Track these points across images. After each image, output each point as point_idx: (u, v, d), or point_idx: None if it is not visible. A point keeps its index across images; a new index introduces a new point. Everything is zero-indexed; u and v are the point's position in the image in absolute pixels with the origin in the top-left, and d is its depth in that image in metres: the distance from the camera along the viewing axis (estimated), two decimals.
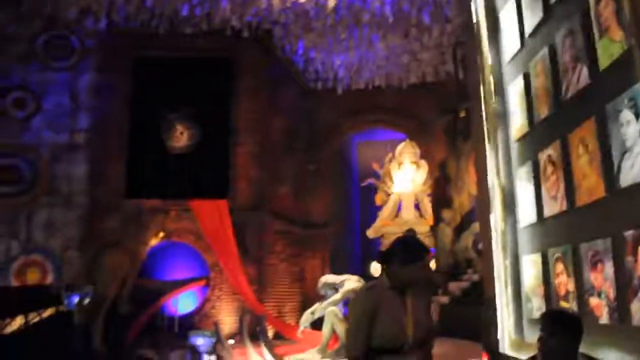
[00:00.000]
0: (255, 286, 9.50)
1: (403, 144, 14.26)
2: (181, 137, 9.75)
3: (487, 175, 4.99)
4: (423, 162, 14.02)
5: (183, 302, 9.05)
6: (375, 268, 13.18)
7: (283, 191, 11.03)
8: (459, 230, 10.21)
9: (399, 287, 2.50)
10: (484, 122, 4.98)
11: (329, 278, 7.17)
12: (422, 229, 11.74)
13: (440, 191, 11.34)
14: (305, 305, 11.46)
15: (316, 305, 6.95)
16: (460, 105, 9.17)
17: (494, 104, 4.89)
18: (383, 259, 2.60)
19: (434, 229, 11.43)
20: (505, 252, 4.55)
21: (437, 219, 11.48)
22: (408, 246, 2.54)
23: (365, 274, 12.20)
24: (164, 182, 9.46)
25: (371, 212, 14.60)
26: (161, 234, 8.96)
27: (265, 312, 9.08)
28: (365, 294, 2.52)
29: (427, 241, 11.68)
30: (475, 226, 9.77)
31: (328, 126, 12.21)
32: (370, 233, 14.20)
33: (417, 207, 14.23)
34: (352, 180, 15.56)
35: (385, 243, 14.11)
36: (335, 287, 7.08)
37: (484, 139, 5.01)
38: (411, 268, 2.46)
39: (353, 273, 8.14)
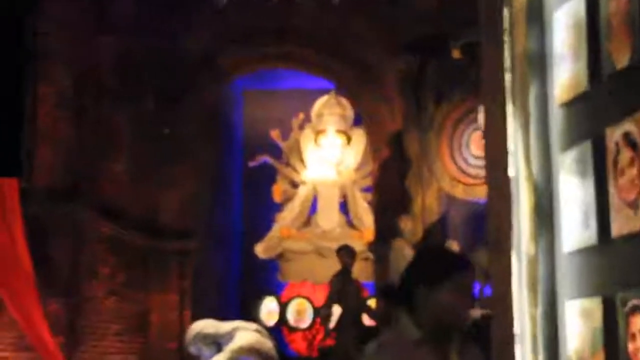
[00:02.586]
0: (62, 337, 9.37)
1: (325, 98, 14.45)
2: None
3: (505, 160, 5.16)
4: (359, 133, 14.28)
5: None
6: (269, 310, 13.29)
7: (116, 170, 10.90)
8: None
9: (437, 335, 2.55)
10: (505, 71, 5.15)
11: (206, 327, 7.07)
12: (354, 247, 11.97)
13: (390, 184, 11.61)
14: None
15: None
16: (453, 39, 9.43)
17: (526, 40, 5.06)
18: (397, 292, 2.62)
19: (377, 247, 11.68)
20: (535, 295, 4.70)
21: (382, 230, 11.73)
22: (438, 255, 2.62)
23: (252, 318, 12.31)
24: None
25: (263, 214, 14.67)
26: None
27: None
28: None
29: (362, 269, 11.93)
30: (451, 246, 10.13)
31: (196, 59, 12.11)
32: (262, 250, 14.31)
33: (343, 208, 14.50)
34: (233, 158, 15.52)
35: (288, 269, 14.30)
36: (216, 343, 7.02)
37: (503, 101, 5.18)
38: (451, 291, 2.51)
39: (228, 315, 8.03)
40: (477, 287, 10.39)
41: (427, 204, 11.17)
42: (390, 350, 2.59)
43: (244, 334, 6.76)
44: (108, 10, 10.89)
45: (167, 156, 11.84)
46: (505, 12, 5.13)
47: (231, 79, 13.06)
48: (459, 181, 11.04)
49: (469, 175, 10.97)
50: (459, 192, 11.05)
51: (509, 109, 5.00)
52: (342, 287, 9.19)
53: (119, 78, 11.06)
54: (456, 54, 9.64)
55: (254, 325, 7.03)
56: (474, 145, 10.84)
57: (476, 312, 9.98)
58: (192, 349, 6.77)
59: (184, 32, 11.77)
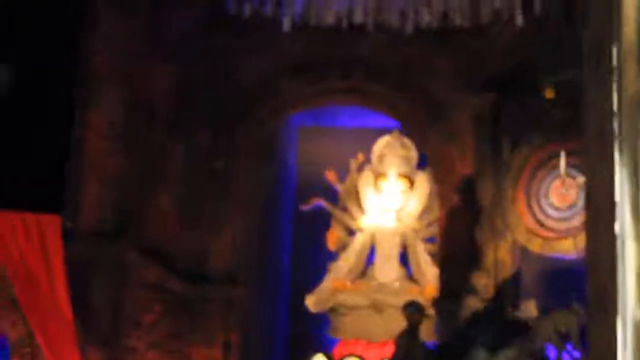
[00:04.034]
0: None
1: (387, 138, 14.38)
2: None
3: (610, 214, 5.11)
4: (423, 177, 14.19)
5: None
6: None
7: (164, 207, 10.94)
8: (495, 310, 10.39)
9: None
10: (612, 115, 5.12)
11: None
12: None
13: (459, 234, 11.52)
14: None
15: None
16: (544, 76, 9.40)
17: (636, 81, 5.04)
18: (453, 351, 2.61)
19: (441, 304, 11.56)
20: None
21: (447, 286, 11.62)
22: (504, 318, 2.61)
23: None
24: None
25: (315, 263, 14.58)
26: None
27: None
28: None
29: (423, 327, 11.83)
30: (529, 306, 10.00)
31: (254, 89, 12.23)
32: (312, 302, 14.17)
33: (403, 259, 14.38)
34: (284, 199, 15.52)
35: (339, 325, 14.21)
36: None
37: (610, 148, 5.13)
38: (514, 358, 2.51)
39: None
40: (552, 352, 10.24)
41: (499, 258, 11.05)
42: None
43: None
44: (164, 32, 11.06)
45: (217, 194, 11.94)
46: (614, 49, 5.11)
47: (289, 112, 13.13)
48: (536, 234, 10.91)
49: (547, 228, 10.84)
50: (535, 246, 10.92)
51: (616, 156, 4.96)
52: (409, 347, 9.10)
53: (173, 106, 11.29)
54: (549, 93, 9.59)
55: None
56: (553, 195, 10.73)
57: None
58: None
59: (244, 59, 11.90)
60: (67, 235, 9.41)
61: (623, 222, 4.81)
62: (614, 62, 5.08)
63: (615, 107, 5.03)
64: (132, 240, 10.01)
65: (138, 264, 10.24)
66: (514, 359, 2.41)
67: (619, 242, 4.83)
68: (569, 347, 10.19)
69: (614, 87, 5.04)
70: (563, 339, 10.13)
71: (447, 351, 2.83)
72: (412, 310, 9.34)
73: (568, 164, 10.02)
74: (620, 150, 4.93)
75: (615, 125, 4.97)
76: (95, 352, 9.52)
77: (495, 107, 10.91)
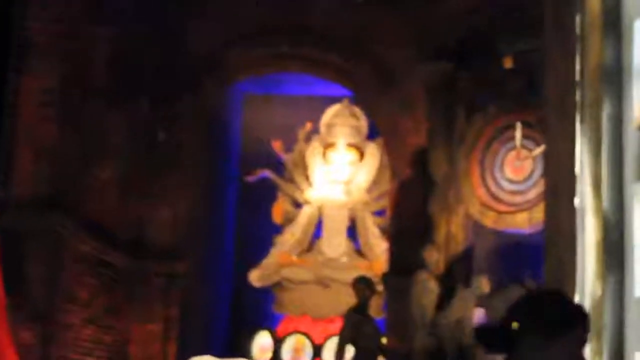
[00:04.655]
0: None
1: (337, 107, 14.41)
2: None
3: (570, 188, 5.15)
4: (373, 148, 14.24)
5: None
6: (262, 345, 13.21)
7: (103, 179, 10.81)
8: (447, 286, 10.45)
9: None
10: (574, 86, 5.13)
11: None
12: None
13: (410, 208, 11.56)
14: None
15: None
16: (501, 48, 9.40)
17: (601, 51, 5.05)
18: (496, 336, 2.58)
19: (391, 279, 11.62)
20: (600, 343, 4.67)
21: (398, 261, 11.68)
22: (562, 301, 2.61)
23: (242, 354, 12.22)
24: None
25: (260, 237, 14.61)
26: None
27: None
28: None
29: (375, 305, 11.89)
30: (481, 282, 10.08)
31: (199, 58, 12.18)
32: (256, 277, 14.22)
33: (351, 233, 14.44)
34: (228, 171, 15.47)
35: (285, 301, 14.21)
36: None
37: (572, 119, 5.16)
38: (570, 346, 2.53)
39: (216, 350, 7.98)
40: None
41: (451, 232, 11.10)
42: None
43: None
44: None
45: (158, 165, 11.87)
46: (578, 19, 5.12)
47: (235, 81, 13.05)
48: (490, 208, 10.97)
49: (501, 201, 10.89)
50: (488, 220, 10.97)
51: (578, 128, 4.98)
52: (358, 324, 9.10)
53: (112, 76, 11.05)
54: (507, 62, 9.60)
55: None
56: (508, 168, 10.80)
57: (501, 357, 9.98)
58: None
59: (189, 25, 11.77)
60: (1, 207, 9.26)
61: (583, 195, 4.84)
62: (577, 32, 5.09)
63: (577, 77, 5.05)
64: (68, 212, 9.87)
65: (74, 237, 10.06)
66: (571, 345, 2.40)
67: (578, 216, 4.86)
68: (483, 324, 10.32)
69: (577, 57, 5.06)
70: None
71: (487, 334, 2.74)
72: (362, 285, 9.35)
73: (524, 136, 10.06)
74: (582, 122, 4.96)
75: (578, 96, 4.99)
76: (28, 328, 9.33)
77: (450, 77, 10.89)
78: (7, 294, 9.06)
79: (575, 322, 2.57)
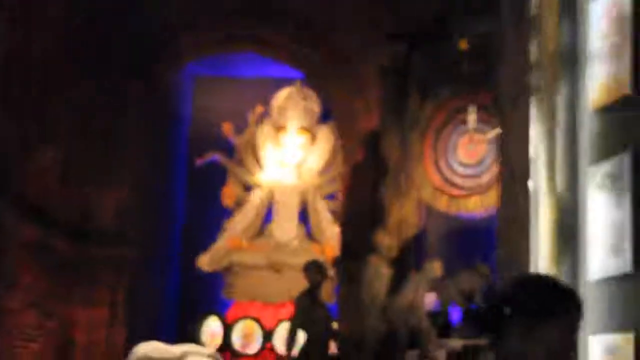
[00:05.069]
0: None
1: (289, 90, 14.35)
2: None
3: (524, 170, 5.15)
4: (324, 131, 14.21)
5: None
6: (212, 331, 13.14)
7: (45, 163, 10.71)
8: (399, 271, 10.47)
9: None
10: (530, 68, 5.13)
11: (152, 351, 6.97)
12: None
13: (362, 191, 11.56)
14: None
15: None
16: (456, 30, 9.40)
17: (556, 33, 5.05)
18: (483, 318, 2.58)
19: (343, 264, 11.61)
20: None
21: (349, 245, 11.68)
22: (553, 284, 2.62)
23: (190, 341, 12.12)
24: None
25: (209, 221, 14.53)
26: None
27: None
28: None
29: (327, 290, 11.87)
30: (433, 266, 10.11)
31: (148, 37, 12.08)
32: (205, 262, 14.14)
33: (302, 217, 14.42)
34: (176, 153, 15.34)
35: (235, 286, 14.14)
36: None
37: (526, 102, 5.16)
38: (563, 331, 2.53)
39: (164, 336, 7.92)
40: (457, 313, 10.41)
41: (403, 216, 11.14)
42: None
43: (194, 358, 6.69)
44: None
45: (104, 148, 11.75)
46: (534, 0, 5.11)
47: (185, 62, 12.94)
48: (442, 192, 11.01)
49: (454, 185, 10.94)
50: (441, 204, 11.02)
51: (533, 111, 4.98)
52: (310, 309, 9.06)
53: (55, 54, 10.89)
54: (462, 44, 9.61)
55: (206, 350, 6.93)
56: (461, 151, 10.83)
57: (457, 343, 10.03)
58: None
59: (137, 7, 11.65)
60: None
61: (537, 178, 4.85)
62: (533, 13, 5.08)
63: (533, 60, 5.04)
64: (10, 197, 9.74)
65: (16, 222, 9.94)
66: (564, 329, 2.41)
67: (532, 200, 4.86)
68: (473, 307, 10.38)
69: (533, 40, 5.05)
70: (468, 299, 10.31)
71: (477, 316, 2.74)
72: (313, 270, 9.28)
73: (478, 119, 10.09)
74: (537, 105, 4.96)
75: (533, 78, 4.99)
76: None
77: (404, 59, 10.90)
78: None
79: (568, 307, 2.55)
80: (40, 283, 10.64)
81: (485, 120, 10.05)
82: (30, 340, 10.48)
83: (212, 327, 13.38)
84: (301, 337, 9.20)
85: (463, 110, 10.50)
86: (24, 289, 10.30)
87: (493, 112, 9.12)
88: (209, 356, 6.73)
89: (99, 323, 11.66)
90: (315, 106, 14.27)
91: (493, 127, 9.29)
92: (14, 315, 10.14)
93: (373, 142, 11.54)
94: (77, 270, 11.45)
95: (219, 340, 13.26)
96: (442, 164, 11.00)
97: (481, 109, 10.00)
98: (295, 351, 8.94)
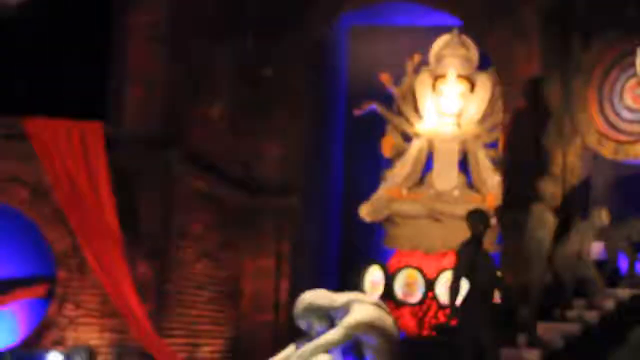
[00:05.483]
0: (151, 303, 9.55)
1: (446, 37, 14.19)
2: None
3: None
4: (485, 79, 14.00)
5: None
6: (374, 280, 13.26)
7: (213, 114, 11.00)
8: (564, 219, 10.30)
9: None
10: None
11: (319, 298, 7.10)
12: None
13: (524, 139, 11.41)
14: (243, 347, 11.24)
15: (288, 351, 6.89)
16: None
17: None
18: None
19: (506, 212, 11.50)
20: None
21: (512, 194, 11.55)
22: None
23: (353, 290, 12.30)
24: None
25: (369, 171, 14.58)
26: None
27: (170, 359, 9.23)
28: None
29: (491, 239, 11.79)
30: (601, 215, 9.91)
31: None
32: (366, 212, 14.23)
33: (462, 166, 14.30)
34: (335, 105, 15.44)
35: (395, 235, 14.20)
36: (329, 316, 7.03)
37: None
38: None
39: (329, 286, 7.99)
40: (624, 262, 10.17)
41: (568, 164, 10.95)
42: None
43: (362, 307, 6.74)
44: None
45: (266, 101, 11.98)
46: None
47: (340, 12, 12.94)
48: (608, 138, 10.75)
49: (620, 131, 10.66)
50: (607, 150, 10.77)
51: None
52: (473, 258, 8.98)
53: (218, 11, 11.15)
54: None
55: (371, 298, 7.00)
56: (628, 96, 10.52)
57: (623, 292, 9.80)
58: (302, 323, 6.81)
59: None
60: (112, 144, 9.45)
61: None
62: None
63: None
64: (179, 149, 10.07)
65: (187, 174, 10.31)
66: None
67: None
68: None
69: None
70: (637, 247, 10.07)
71: None
72: (477, 219, 9.13)
73: None
74: None
75: None
76: (143, 263, 9.63)
77: (566, 2, 10.64)
78: (122, 231, 9.42)
79: None
80: (210, 233, 11.02)
81: None
82: (200, 288, 10.85)
83: (374, 276, 13.46)
84: (464, 286, 9.16)
85: (630, 52, 10.18)
86: (195, 239, 10.69)
87: None
88: (374, 304, 6.81)
89: (266, 273, 11.96)
90: (474, 53, 14.03)
91: None
92: (186, 265, 10.53)
93: (534, 88, 11.35)
94: (244, 221, 11.76)
95: (380, 290, 13.34)
96: (607, 109, 10.73)
97: None
98: (459, 300, 8.90)
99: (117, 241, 9.29)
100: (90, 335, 9.42)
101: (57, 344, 9.33)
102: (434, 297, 13.04)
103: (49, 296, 9.50)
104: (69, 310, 9.45)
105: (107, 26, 10.00)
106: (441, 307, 12.69)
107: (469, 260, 8.83)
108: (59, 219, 9.39)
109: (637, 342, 8.87)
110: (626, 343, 8.85)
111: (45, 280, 9.56)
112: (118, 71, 9.98)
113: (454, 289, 8.82)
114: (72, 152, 9.34)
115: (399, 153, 14.38)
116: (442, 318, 12.58)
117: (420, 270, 13.34)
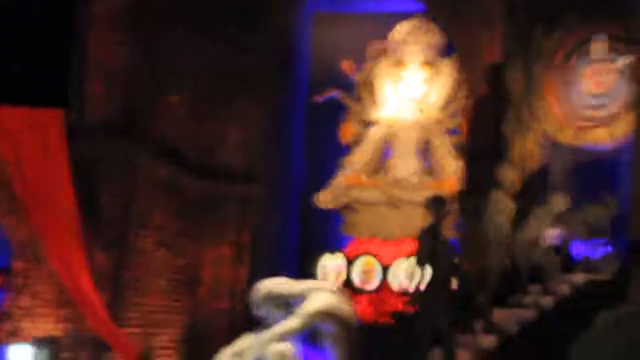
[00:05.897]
0: (108, 293, 9.58)
1: (409, 23, 14.12)
2: None
3: None
4: (446, 65, 13.99)
5: None
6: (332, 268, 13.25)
7: (174, 102, 10.98)
8: (522, 205, 10.35)
9: None
10: None
11: (277, 286, 7.05)
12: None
13: (485, 125, 11.44)
14: (199, 335, 11.18)
15: (245, 341, 6.84)
16: None
17: None
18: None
19: (466, 199, 11.53)
20: None
21: (472, 180, 11.59)
22: None
23: (310, 277, 12.28)
24: None
25: (328, 157, 14.51)
26: None
27: (127, 348, 9.22)
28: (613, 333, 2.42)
29: (448, 225, 11.82)
30: (558, 200, 9.98)
31: None
32: (325, 199, 14.15)
33: (423, 153, 14.32)
34: (296, 91, 15.35)
35: (354, 222, 14.18)
36: (287, 304, 7.00)
37: None
38: None
39: (288, 273, 8.00)
40: (581, 247, 10.26)
41: (527, 150, 11.00)
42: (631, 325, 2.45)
43: (320, 295, 6.71)
44: None
45: (227, 88, 11.90)
46: None
47: None
48: (568, 124, 10.82)
49: (580, 117, 10.73)
50: (566, 136, 10.86)
51: None
52: (433, 245, 8.99)
53: None
54: None
55: (330, 286, 6.97)
56: (588, 82, 10.59)
57: (578, 277, 9.89)
58: (260, 311, 6.77)
59: None
60: (73, 132, 9.46)
61: None
62: None
63: None
64: (140, 137, 10.07)
65: (147, 162, 10.31)
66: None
67: None
68: (597, 241, 10.22)
69: None
70: (593, 233, 10.16)
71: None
72: (437, 205, 9.15)
73: (607, 48, 9.85)
74: None
75: None
76: (101, 254, 9.64)
77: None
78: (82, 220, 9.38)
79: None
80: (170, 222, 10.96)
81: (616, 49, 9.81)
82: (158, 277, 10.81)
83: (333, 263, 13.44)
84: (428, 272, 9.18)
85: (589, 39, 10.26)
86: (154, 228, 10.65)
87: (625, 40, 8.88)
88: (332, 291, 6.78)
89: (225, 261, 11.92)
90: (437, 40, 14.00)
91: (623, 56, 9.07)
92: (146, 254, 10.51)
93: (496, 75, 11.37)
94: (205, 209, 11.67)
95: (339, 277, 13.30)
96: (567, 95, 10.80)
97: (613, 38, 9.75)
98: (423, 286, 8.91)
99: (75, 231, 9.30)
100: (46, 326, 9.39)
101: (12, 335, 9.31)
102: (389, 284, 13.07)
103: (4, 287, 9.49)
104: (25, 301, 9.44)
105: (70, 14, 9.94)
106: (396, 293, 12.69)
107: (429, 247, 8.85)
108: (16, 209, 9.40)
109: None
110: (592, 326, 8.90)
111: (1, 271, 9.55)
112: (80, 60, 9.91)
113: (416, 276, 8.85)
114: (32, 141, 9.34)
115: (358, 140, 14.31)
116: (398, 305, 12.58)
117: (378, 258, 13.33)
